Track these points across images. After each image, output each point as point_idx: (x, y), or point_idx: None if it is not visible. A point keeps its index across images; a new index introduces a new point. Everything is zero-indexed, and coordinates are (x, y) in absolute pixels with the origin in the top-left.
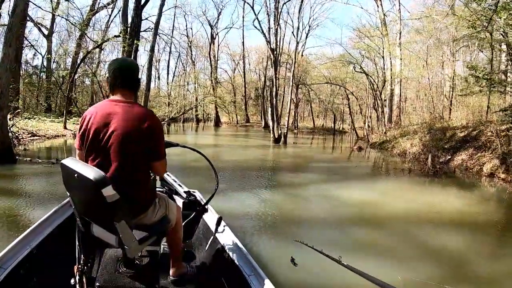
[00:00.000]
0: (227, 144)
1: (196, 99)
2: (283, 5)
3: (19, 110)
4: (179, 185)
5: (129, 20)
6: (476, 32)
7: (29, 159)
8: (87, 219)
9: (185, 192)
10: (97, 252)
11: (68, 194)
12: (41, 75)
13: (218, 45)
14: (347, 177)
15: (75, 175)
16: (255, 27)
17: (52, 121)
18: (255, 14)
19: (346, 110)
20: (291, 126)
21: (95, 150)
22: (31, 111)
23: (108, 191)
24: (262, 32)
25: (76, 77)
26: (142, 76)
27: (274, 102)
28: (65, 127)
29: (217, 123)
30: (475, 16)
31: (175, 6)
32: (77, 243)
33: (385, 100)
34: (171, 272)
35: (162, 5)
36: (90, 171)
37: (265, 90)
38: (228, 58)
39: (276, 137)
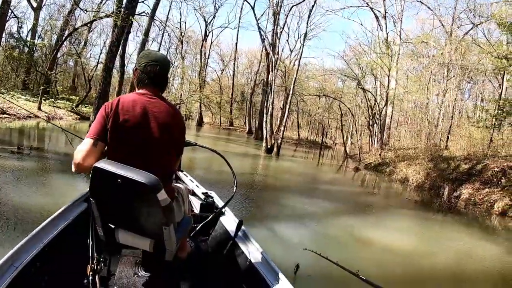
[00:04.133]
0: (216, 148)
1: (181, 96)
2: (291, 8)
3: None
4: (196, 185)
5: None
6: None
7: None
8: (112, 226)
9: (202, 193)
10: (111, 252)
11: (93, 200)
12: (23, 49)
13: (211, 43)
14: (365, 208)
15: (119, 180)
16: (259, 27)
17: (27, 100)
18: (255, 16)
19: (332, 124)
20: (277, 135)
21: (132, 147)
22: (6, 86)
23: (163, 195)
24: (261, 33)
25: (58, 55)
26: (132, 58)
27: (271, 109)
28: (39, 108)
29: (200, 122)
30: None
31: None
32: (90, 242)
33: (379, 120)
34: (181, 257)
35: None
36: (140, 175)
37: (253, 96)
38: (218, 57)
39: (269, 146)
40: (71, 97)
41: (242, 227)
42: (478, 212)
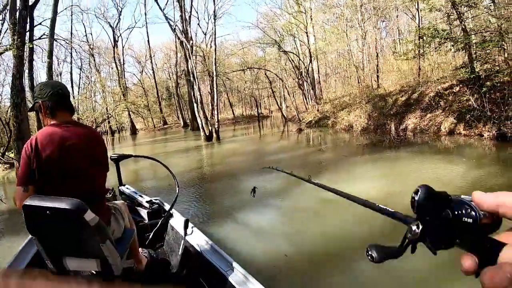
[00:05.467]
0: (156, 153)
1: (107, 110)
2: None
3: None
4: (140, 196)
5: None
6: None
7: None
8: (60, 256)
9: (147, 202)
10: None
11: (33, 237)
12: None
13: (123, 48)
14: (320, 167)
15: (47, 211)
16: (166, 17)
17: None
18: (159, 7)
19: (263, 94)
20: (212, 120)
21: (57, 178)
22: None
23: (89, 215)
24: (169, 23)
25: None
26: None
27: (199, 96)
28: None
29: (134, 131)
30: None
31: (71, 5)
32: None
33: (308, 77)
34: (138, 269)
35: (56, 3)
36: (64, 202)
37: (178, 88)
38: (134, 60)
39: (208, 134)
40: None
41: (190, 225)
42: (428, 138)
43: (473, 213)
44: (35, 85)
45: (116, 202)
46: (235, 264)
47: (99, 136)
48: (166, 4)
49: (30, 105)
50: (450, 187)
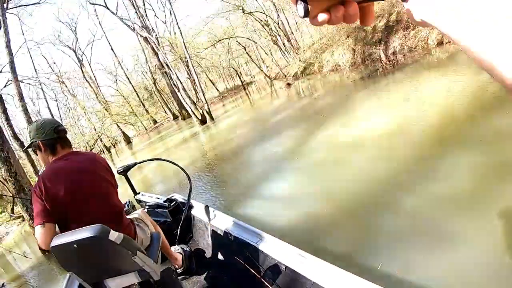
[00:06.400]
0: (157, 153)
1: (95, 129)
2: None
3: None
4: (157, 198)
5: None
6: None
7: None
8: (101, 281)
9: (165, 201)
10: None
11: (70, 272)
12: None
13: (89, 64)
14: (322, 114)
15: (74, 245)
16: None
17: None
18: (112, 12)
19: (241, 62)
20: (200, 103)
21: (74, 210)
22: None
23: (114, 235)
24: (127, 24)
25: None
26: (24, 132)
27: (180, 84)
28: None
29: (128, 140)
30: None
31: (25, 41)
32: None
33: (280, 31)
34: (176, 266)
35: (8, 45)
36: (86, 232)
37: (156, 84)
38: (105, 73)
39: (200, 118)
40: None
41: (211, 209)
42: (418, 55)
43: None
44: (17, 133)
45: (135, 212)
46: (264, 234)
47: (99, 157)
48: (117, 7)
49: (19, 153)
50: (463, 99)
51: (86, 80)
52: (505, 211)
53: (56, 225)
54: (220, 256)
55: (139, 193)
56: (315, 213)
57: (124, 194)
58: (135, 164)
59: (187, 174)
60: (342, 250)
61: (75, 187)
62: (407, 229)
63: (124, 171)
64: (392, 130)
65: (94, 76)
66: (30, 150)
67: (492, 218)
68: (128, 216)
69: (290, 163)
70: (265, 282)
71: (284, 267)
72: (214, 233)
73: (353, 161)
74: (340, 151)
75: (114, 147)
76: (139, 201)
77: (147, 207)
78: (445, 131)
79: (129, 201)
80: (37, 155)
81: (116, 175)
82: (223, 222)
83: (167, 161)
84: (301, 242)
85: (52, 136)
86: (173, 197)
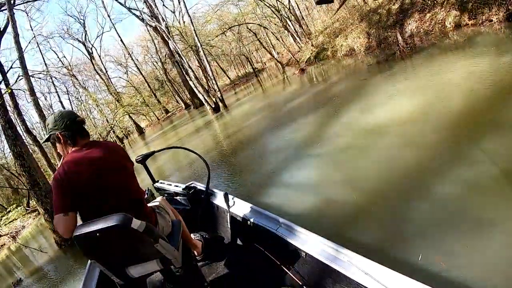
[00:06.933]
0: (170, 143)
1: (107, 121)
2: None
3: None
4: (175, 186)
5: None
6: None
7: None
8: (123, 268)
9: (184, 189)
10: None
11: (91, 261)
12: None
13: (99, 57)
14: (353, 97)
15: (97, 234)
16: (130, 10)
17: None
18: (120, 3)
19: (252, 49)
20: (212, 91)
21: (95, 198)
22: None
23: (136, 223)
24: (136, 14)
25: None
26: (37, 127)
27: (192, 72)
28: None
29: (141, 131)
30: None
31: (34, 37)
32: None
33: (291, 16)
34: (196, 253)
35: (17, 41)
36: (109, 220)
37: (167, 74)
38: (115, 64)
39: (213, 106)
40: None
41: (230, 197)
42: (435, 38)
43: None
44: (30, 128)
45: (155, 200)
46: (283, 220)
47: (118, 146)
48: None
49: (33, 147)
50: (488, 81)
51: (97, 72)
52: None
53: (78, 214)
54: (239, 243)
55: (157, 181)
56: (341, 201)
57: (143, 182)
58: (153, 152)
59: (205, 161)
60: (373, 241)
61: (96, 176)
62: (443, 216)
63: (143, 160)
64: (417, 116)
65: (105, 68)
66: (47, 143)
67: None
68: (148, 204)
69: (310, 149)
70: (285, 269)
71: (304, 253)
72: (233, 220)
73: (378, 147)
74: (364, 137)
75: (127, 137)
76: (158, 189)
77: (166, 195)
78: (472, 115)
79: (149, 189)
80: (55, 148)
81: (135, 164)
82: (242, 209)
83: (185, 149)
84: (327, 232)
85: (71, 127)
86: (192, 185)
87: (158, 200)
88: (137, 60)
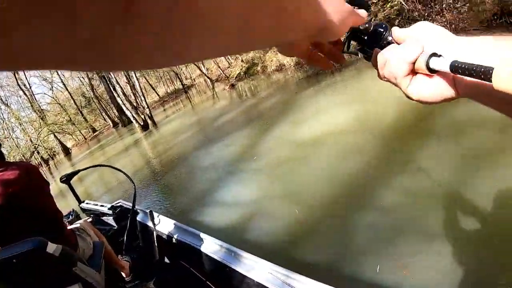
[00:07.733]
0: (98, 163)
1: (31, 141)
2: None
3: None
4: (101, 206)
5: None
6: None
7: None
8: None
9: (109, 209)
10: None
11: None
12: None
13: (23, 71)
14: (284, 110)
15: (13, 260)
16: None
17: None
18: None
19: (181, 66)
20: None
21: (10, 226)
22: None
23: (51, 247)
24: None
25: None
26: None
27: (119, 88)
28: None
29: (66, 151)
30: None
31: None
32: None
33: None
34: (124, 275)
35: None
36: (24, 245)
37: (94, 90)
38: (39, 79)
39: (142, 124)
40: None
41: (155, 214)
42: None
43: (389, 38)
44: None
45: (77, 222)
46: (207, 236)
47: (32, 166)
48: None
49: None
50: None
51: (20, 88)
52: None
53: None
54: (167, 260)
55: (83, 201)
56: (282, 216)
57: (68, 203)
58: (79, 171)
59: (130, 179)
60: (321, 258)
61: (8, 202)
62: (390, 225)
63: (67, 179)
64: (352, 126)
65: (29, 84)
66: None
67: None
68: (69, 226)
69: (246, 164)
70: (210, 284)
71: (228, 268)
72: (159, 238)
73: (317, 159)
74: (300, 150)
75: (53, 159)
76: (84, 210)
77: (92, 215)
78: (404, 124)
79: (73, 211)
80: None
81: (60, 184)
82: (167, 227)
83: (111, 167)
84: (272, 254)
85: None
86: (119, 204)
87: (79, 222)
88: (63, 75)
